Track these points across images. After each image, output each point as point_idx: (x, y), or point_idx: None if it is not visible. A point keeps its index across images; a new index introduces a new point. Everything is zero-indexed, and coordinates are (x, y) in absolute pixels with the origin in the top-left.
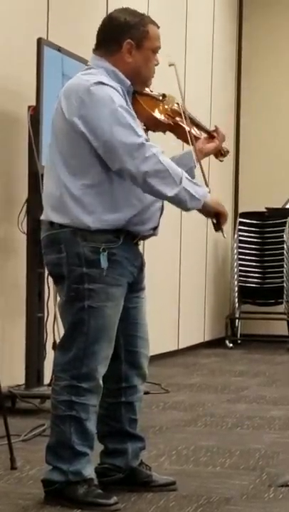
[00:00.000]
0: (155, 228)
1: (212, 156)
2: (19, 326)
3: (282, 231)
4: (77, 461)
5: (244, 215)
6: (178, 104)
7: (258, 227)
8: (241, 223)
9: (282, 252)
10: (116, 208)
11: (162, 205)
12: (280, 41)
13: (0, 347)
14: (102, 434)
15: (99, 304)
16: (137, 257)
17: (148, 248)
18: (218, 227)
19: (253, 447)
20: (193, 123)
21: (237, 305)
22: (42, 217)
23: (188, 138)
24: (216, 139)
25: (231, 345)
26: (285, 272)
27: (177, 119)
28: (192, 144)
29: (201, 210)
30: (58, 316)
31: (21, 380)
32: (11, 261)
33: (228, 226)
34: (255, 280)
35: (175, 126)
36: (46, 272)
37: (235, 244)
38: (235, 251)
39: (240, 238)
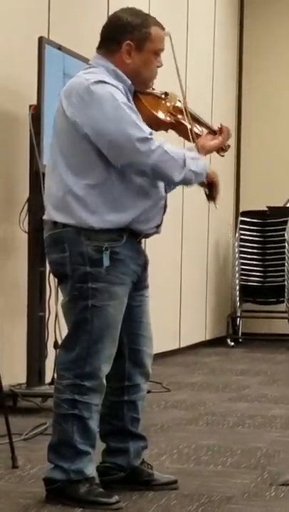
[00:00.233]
0: (158, 226)
1: (213, 156)
2: (20, 325)
3: (284, 230)
4: (79, 460)
5: (245, 213)
6: (180, 101)
7: (259, 225)
8: (242, 222)
9: (284, 251)
10: (119, 208)
11: (165, 203)
12: (280, 41)
13: (1, 346)
14: (104, 433)
15: (102, 302)
16: (141, 256)
17: (150, 246)
18: (210, 196)
19: (254, 446)
20: (196, 120)
21: (238, 304)
22: (44, 217)
23: (190, 136)
24: (219, 135)
25: (232, 344)
26: (286, 270)
27: (179, 116)
28: (194, 142)
29: None
30: (60, 315)
31: (23, 379)
32: (12, 260)
33: (229, 229)
34: (257, 279)
35: (177, 124)
36: (47, 271)
37: (236, 243)
38: (237, 250)
39: (242, 237)
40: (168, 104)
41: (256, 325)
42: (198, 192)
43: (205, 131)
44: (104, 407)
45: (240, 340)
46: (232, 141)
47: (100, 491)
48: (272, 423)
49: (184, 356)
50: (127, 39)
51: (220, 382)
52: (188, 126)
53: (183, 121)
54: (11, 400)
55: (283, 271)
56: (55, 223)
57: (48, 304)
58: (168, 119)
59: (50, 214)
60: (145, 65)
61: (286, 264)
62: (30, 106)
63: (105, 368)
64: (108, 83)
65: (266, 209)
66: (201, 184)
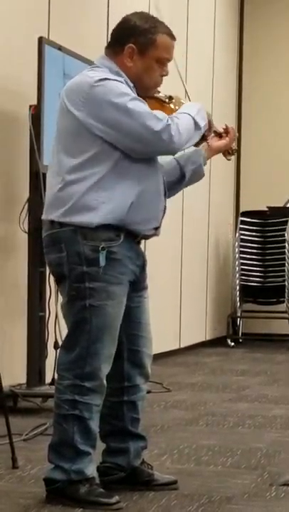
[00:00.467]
0: (157, 228)
1: (213, 157)
2: (20, 325)
3: (284, 230)
4: (79, 460)
5: (245, 214)
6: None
7: (259, 226)
8: (243, 222)
9: (284, 251)
10: (118, 205)
11: (165, 206)
12: (280, 41)
13: (1, 346)
14: (104, 433)
15: (100, 302)
16: (139, 256)
17: (149, 247)
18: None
19: (255, 446)
20: None
21: (238, 304)
22: (43, 217)
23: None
24: (225, 137)
25: (233, 344)
26: (286, 270)
27: None
28: (198, 145)
29: None
30: (60, 315)
31: (23, 379)
32: (12, 260)
33: (229, 228)
34: (257, 279)
35: None
36: (47, 271)
37: (236, 243)
38: (237, 250)
39: (242, 237)
40: (172, 107)
41: (256, 325)
42: (198, 192)
43: (211, 133)
44: (104, 408)
45: (241, 340)
46: (234, 143)
47: (101, 491)
48: (272, 423)
49: (184, 356)
50: (130, 42)
51: (220, 382)
52: None
53: None
54: (11, 400)
55: (283, 271)
56: (52, 223)
57: (48, 304)
58: None
59: (49, 212)
60: (146, 71)
61: (286, 264)
62: (31, 106)
63: (105, 368)
64: (112, 79)
65: (266, 209)
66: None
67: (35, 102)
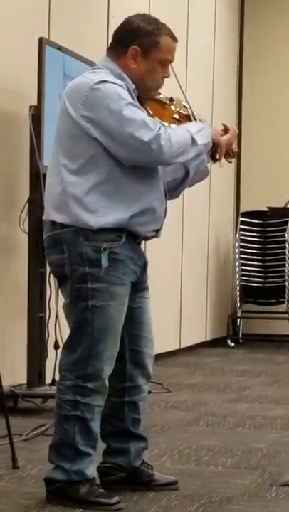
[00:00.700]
0: (158, 230)
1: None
2: (21, 326)
3: (284, 230)
4: (80, 461)
5: (246, 214)
6: (185, 107)
7: (259, 226)
8: (243, 223)
9: (284, 252)
10: (119, 208)
11: (166, 208)
12: (280, 41)
13: (1, 346)
14: (105, 433)
15: (102, 303)
16: (140, 257)
17: (150, 247)
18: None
19: (255, 447)
20: None
21: (239, 304)
22: (44, 218)
23: None
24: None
25: (233, 344)
26: (286, 271)
27: (184, 122)
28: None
29: None
30: (60, 315)
31: (23, 380)
32: (13, 261)
33: (230, 226)
34: (257, 279)
35: None
36: (48, 272)
37: (236, 244)
38: (237, 250)
39: (242, 238)
40: (173, 109)
41: (257, 325)
42: (198, 193)
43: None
44: (105, 408)
45: (241, 340)
46: (235, 145)
47: (101, 492)
48: (272, 424)
49: (184, 357)
50: (134, 44)
51: (220, 382)
52: None
53: None
54: (12, 401)
55: (284, 271)
56: (53, 224)
57: (48, 304)
58: (173, 124)
59: (50, 214)
60: (150, 73)
61: (287, 264)
62: (31, 106)
63: (107, 369)
64: (112, 82)
65: (266, 210)
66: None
67: (35, 102)
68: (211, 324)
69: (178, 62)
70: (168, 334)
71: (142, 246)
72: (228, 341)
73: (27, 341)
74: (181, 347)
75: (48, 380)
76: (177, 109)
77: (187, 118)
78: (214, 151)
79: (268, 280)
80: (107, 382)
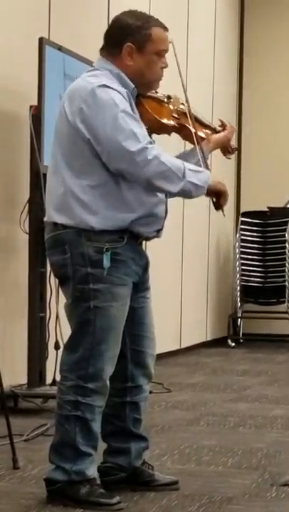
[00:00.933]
0: (159, 230)
1: (213, 157)
2: (21, 326)
3: (284, 230)
4: (80, 461)
5: (246, 214)
6: (183, 104)
7: (260, 226)
8: (243, 222)
9: (284, 251)
10: (120, 209)
11: (166, 208)
12: (280, 41)
13: (2, 346)
14: (106, 433)
15: (104, 304)
16: (142, 257)
17: (150, 248)
18: (218, 205)
19: (255, 446)
20: (199, 123)
21: (239, 304)
22: (45, 219)
23: (194, 139)
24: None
25: (233, 344)
26: (287, 271)
27: (182, 120)
28: (197, 143)
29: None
30: (60, 315)
31: (23, 380)
32: (13, 261)
33: (230, 226)
34: (257, 279)
35: (180, 127)
36: (48, 272)
37: (237, 244)
38: (237, 250)
39: (242, 237)
40: (171, 107)
41: (257, 325)
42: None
43: (209, 132)
44: (106, 408)
45: (241, 340)
46: (233, 141)
47: (101, 492)
48: (273, 423)
49: (184, 357)
50: (128, 41)
51: (221, 382)
52: (192, 130)
53: (186, 125)
54: (12, 401)
55: (284, 271)
56: (55, 225)
57: (48, 304)
58: (171, 122)
59: (51, 215)
60: (148, 66)
61: (287, 264)
62: (31, 107)
63: (109, 370)
64: (111, 88)
65: (267, 209)
66: (208, 194)
67: (35, 102)
68: (212, 324)
69: (180, 68)
70: (168, 334)
71: (143, 246)
72: (229, 341)
73: (27, 341)
74: (182, 347)
75: (49, 380)
76: (175, 107)
77: (184, 115)
78: (218, 199)
79: (268, 280)
80: (108, 382)
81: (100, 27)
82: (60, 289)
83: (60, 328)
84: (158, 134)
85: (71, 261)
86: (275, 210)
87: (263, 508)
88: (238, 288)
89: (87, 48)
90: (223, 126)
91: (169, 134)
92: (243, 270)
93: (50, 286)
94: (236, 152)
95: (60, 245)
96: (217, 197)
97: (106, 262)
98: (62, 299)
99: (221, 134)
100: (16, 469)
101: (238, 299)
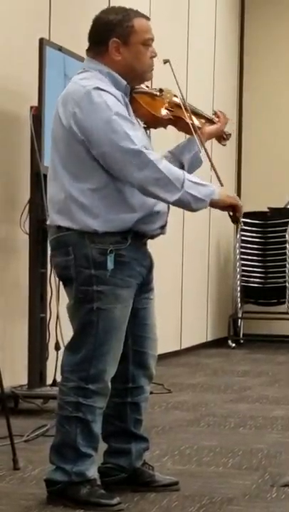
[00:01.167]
0: (163, 227)
1: (214, 158)
2: (21, 327)
3: (285, 231)
4: (81, 462)
5: (246, 215)
6: (176, 96)
7: (260, 227)
8: (243, 223)
9: (285, 252)
10: (122, 210)
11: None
12: (280, 41)
13: (2, 347)
14: (107, 434)
15: (108, 305)
16: (146, 258)
17: (151, 248)
18: (234, 219)
19: (256, 447)
20: (194, 113)
21: (239, 305)
22: (48, 222)
23: (191, 128)
24: (217, 122)
25: (234, 345)
26: (287, 271)
27: (177, 111)
28: (195, 133)
29: (214, 206)
30: (61, 316)
31: (24, 381)
32: (13, 261)
33: (230, 226)
34: (258, 280)
35: (175, 119)
36: (49, 273)
37: (237, 244)
38: (238, 251)
39: (243, 238)
40: (164, 100)
41: (257, 326)
42: None
43: (203, 121)
44: (107, 408)
45: (242, 341)
46: (232, 142)
47: (101, 493)
48: (273, 424)
49: (185, 357)
50: (113, 37)
51: (221, 383)
52: (188, 121)
53: (181, 116)
54: (13, 402)
55: (284, 272)
56: (59, 227)
57: (49, 305)
58: (166, 115)
59: (54, 219)
60: (136, 58)
61: (287, 265)
62: (31, 107)
63: (110, 371)
64: (104, 90)
65: (267, 210)
66: (223, 209)
67: (35, 102)
68: (212, 325)
69: (178, 62)
70: (169, 335)
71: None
72: (229, 342)
73: (28, 342)
74: (182, 347)
75: (49, 380)
76: (168, 100)
77: (178, 107)
78: (234, 212)
79: (268, 280)
80: (109, 384)
81: None
82: (61, 289)
83: (60, 329)
84: (155, 128)
85: (74, 262)
86: (276, 211)
87: (264, 508)
88: (239, 288)
89: None
90: (217, 116)
91: (165, 127)
92: (243, 271)
93: (51, 286)
94: (236, 152)
95: (63, 247)
96: (233, 210)
97: (110, 264)
98: (63, 300)
99: (214, 127)
100: (16, 470)
101: (239, 299)
